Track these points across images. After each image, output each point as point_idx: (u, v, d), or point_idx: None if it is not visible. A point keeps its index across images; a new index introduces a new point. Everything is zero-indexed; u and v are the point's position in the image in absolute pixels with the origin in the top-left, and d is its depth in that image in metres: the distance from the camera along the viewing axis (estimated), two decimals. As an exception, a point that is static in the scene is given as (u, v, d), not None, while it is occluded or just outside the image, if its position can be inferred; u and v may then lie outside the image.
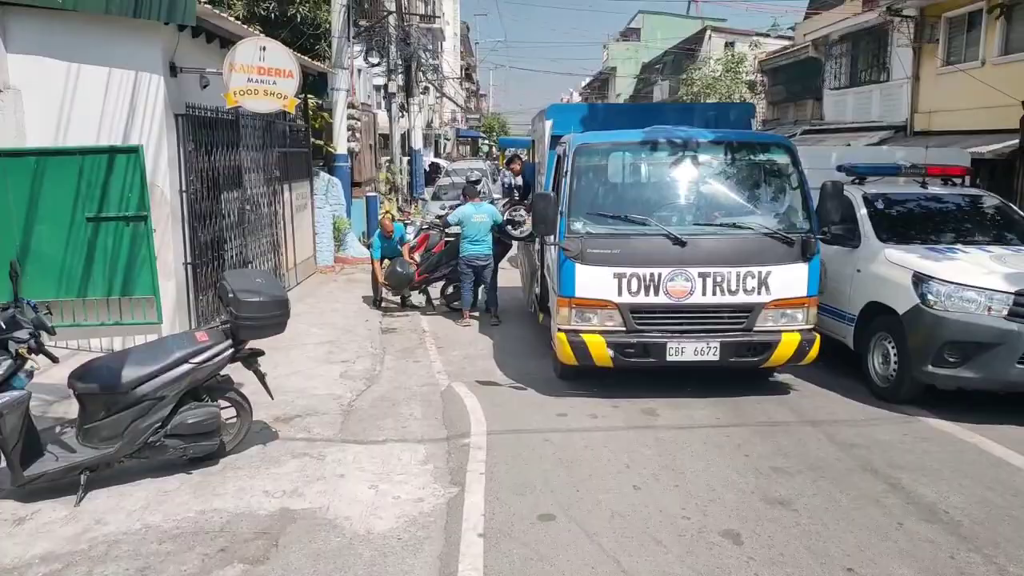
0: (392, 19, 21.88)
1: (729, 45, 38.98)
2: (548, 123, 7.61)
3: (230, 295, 5.13)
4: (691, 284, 6.10)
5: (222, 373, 5.31)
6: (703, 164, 6.55)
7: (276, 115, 11.27)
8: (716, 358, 6.19)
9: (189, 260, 7.68)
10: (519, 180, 10.95)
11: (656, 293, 6.12)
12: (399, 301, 11.08)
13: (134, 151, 6.84)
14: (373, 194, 15.99)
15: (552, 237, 6.45)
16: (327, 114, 14.64)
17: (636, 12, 55.67)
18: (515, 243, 10.42)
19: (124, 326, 7.08)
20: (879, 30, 18.77)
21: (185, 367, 4.91)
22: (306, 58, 12.35)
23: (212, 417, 5.04)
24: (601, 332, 6.19)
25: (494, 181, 23.27)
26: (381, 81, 24.34)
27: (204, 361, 5.01)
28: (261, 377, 5.50)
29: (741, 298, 6.13)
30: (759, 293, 6.12)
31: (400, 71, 26.98)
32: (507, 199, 10.95)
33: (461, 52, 56.05)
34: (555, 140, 7.50)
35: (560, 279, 6.35)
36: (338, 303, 11.05)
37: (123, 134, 7.16)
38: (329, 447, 5.56)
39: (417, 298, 11.08)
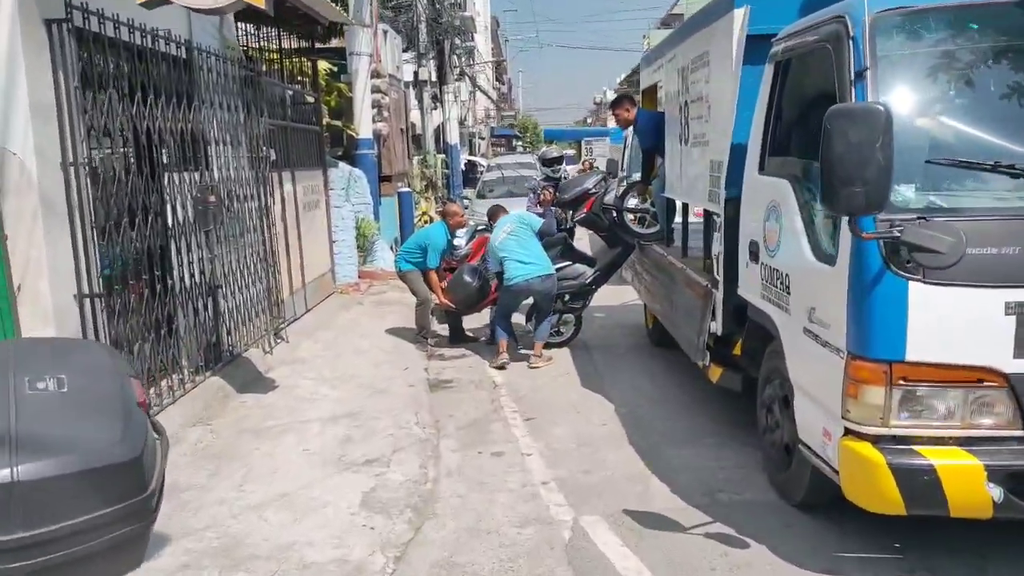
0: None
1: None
2: (740, 13, 4.03)
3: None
4: None
5: None
6: None
7: (268, 73, 8.01)
8: None
9: (90, 290, 4.27)
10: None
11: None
12: (455, 333, 7.66)
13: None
14: (406, 190, 12.65)
15: (854, 214, 2.69)
16: (345, 87, 11.28)
17: (678, -3, 51.83)
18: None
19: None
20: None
21: None
22: None
23: None
24: (970, 446, 2.67)
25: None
26: (410, 69, 21.11)
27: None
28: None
29: None
30: None
31: (432, 55, 23.75)
32: (621, 179, 7.47)
33: (492, 49, 52.85)
34: (756, 46, 3.96)
35: (861, 314, 2.82)
36: (364, 339, 7.62)
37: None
38: None
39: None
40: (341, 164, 10.72)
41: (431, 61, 23.44)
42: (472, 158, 30.65)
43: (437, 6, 23.63)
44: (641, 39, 54.41)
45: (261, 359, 6.40)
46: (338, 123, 11.28)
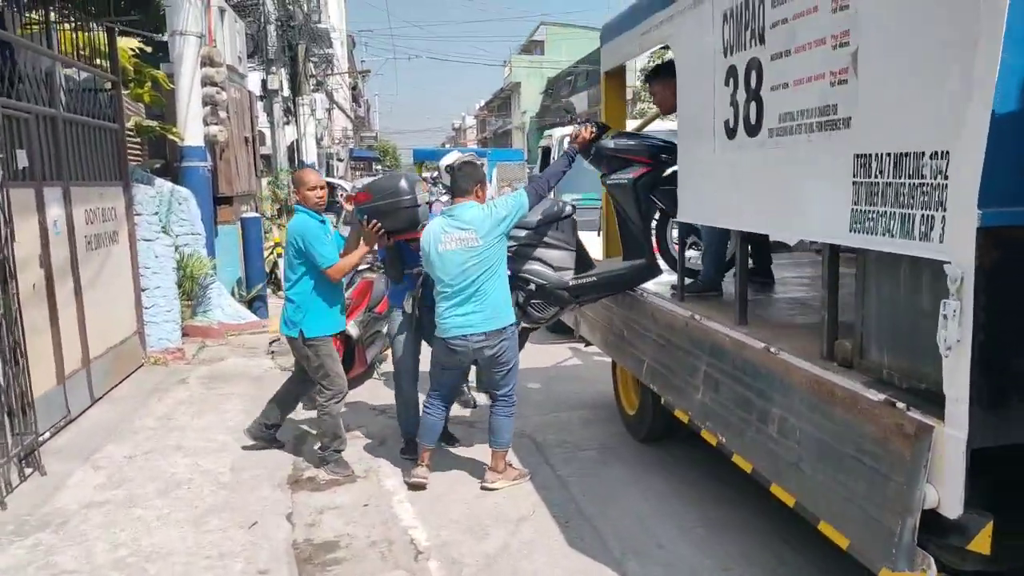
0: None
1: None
2: None
3: None
4: None
5: None
6: None
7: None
8: None
9: None
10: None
11: None
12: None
13: None
14: (253, 215, 9.71)
15: None
16: (163, 77, 8.24)
17: (538, 23, 51.22)
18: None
19: None
20: None
21: None
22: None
23: None
24: None
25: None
26: (257, 78, 17.94)
27: None
28: None
29: None
30: None
31: (283, 63, 20.65)
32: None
33: (349, 70, 49.71)
34: None
35: None
36: (184, 453, 4.73)
37: None
38: None
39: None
40: (158, 180, 7.69)
41: (282, 69, 20.40)
42: (332, 180, 27.59)
43: (289, 7, 20.64)
44: (502, 64, 53.43)
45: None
46: (153, 124, 8.21)
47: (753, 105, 3.06)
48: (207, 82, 8.64)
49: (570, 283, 4.26)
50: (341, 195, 26.25)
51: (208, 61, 8.64)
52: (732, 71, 3.22)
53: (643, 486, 4.25)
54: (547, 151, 8.39)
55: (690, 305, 3.82)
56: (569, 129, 8.13)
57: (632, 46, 4.47)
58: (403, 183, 4.33)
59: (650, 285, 4.28)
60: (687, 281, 4.08)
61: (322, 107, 28.90)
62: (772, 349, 2.88)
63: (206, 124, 8.65)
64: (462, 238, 3.91)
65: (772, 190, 2.95)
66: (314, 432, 4.88)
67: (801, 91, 2.74)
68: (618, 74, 5.05)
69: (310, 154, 20.99)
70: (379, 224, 4.26)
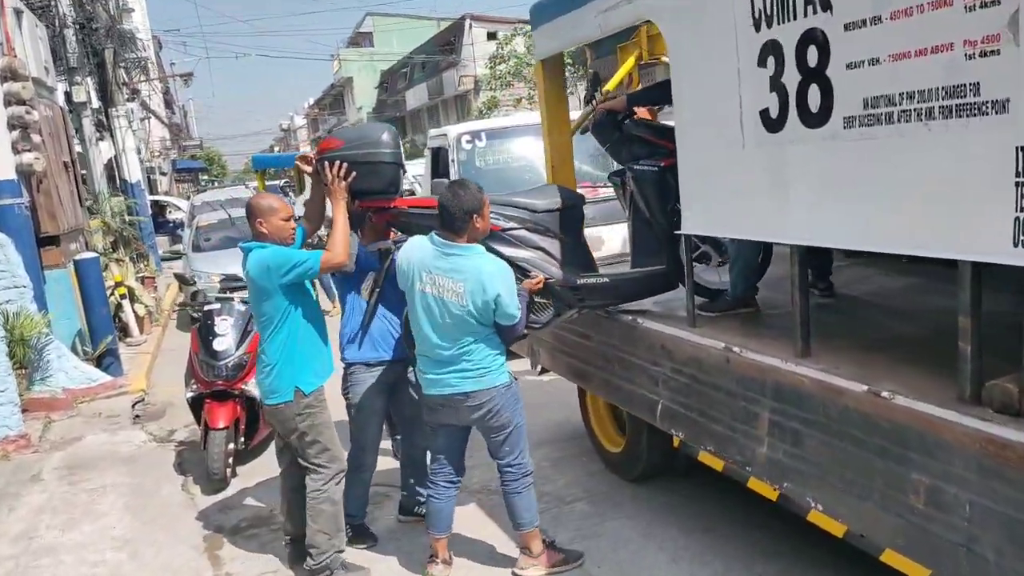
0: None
1: (492, 36, 34.62)
2: None
3: None
4: None
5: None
6: None
7: None
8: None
9: None
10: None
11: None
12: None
13: None
14: (89, 255, 8.09)
15: None
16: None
17: (364, 15, 49.45)
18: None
19: None
20: None
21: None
22: None
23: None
24: None
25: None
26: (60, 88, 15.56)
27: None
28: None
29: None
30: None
31: (89, 71, 18.17)
32: None
33: (161, 75, 45.55)
34: None
35: None
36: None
37: None
38: None
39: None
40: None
41: (88, 78, 17.93)
42: (158, 198, 24.98)
43: (87, 7, 18.16)
44: (330, 58, 51.21)
45: None
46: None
47: (815, 88, 2.47)
48: (12, 100, 7.04)
49: (578, 281, 3.52)
50: (171, 213, 23.79)
51: (10, 75, 7.04)
52: (771, 48, 2.62)
53: (658, 539, 3.64)
54: (438, 153, 7.53)
55: (709, 331, 3.21)
56: (466, 127, 7.24)
57: (586, 27, 3.76)
58: (385, 135, 3.49)
59: (649, 304, 3.64)
60: (703, 298, 3.49)
61: (137, 117, 26.03)
62: (885, 394, 2.30)
63: (17, 152, 7.04)
64: (452, 288, 3.08)
65: (864, 195, 2.36)
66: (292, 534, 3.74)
67: (907, 67, 2.16)
68: (558, 62, 4.34)
69: (134, 172, 18.66)
70: (351, 171, 3.35)
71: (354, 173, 3.35)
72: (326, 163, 3.37)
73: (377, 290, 3.65)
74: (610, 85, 4.93)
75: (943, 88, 2.06)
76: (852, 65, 2.33)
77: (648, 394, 3.46)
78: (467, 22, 34.88)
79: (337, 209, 3.33)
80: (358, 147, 3.41)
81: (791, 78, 2.56)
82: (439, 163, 7.45)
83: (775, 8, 2.58)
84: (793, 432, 2.61)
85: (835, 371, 2.54)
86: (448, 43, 37.59)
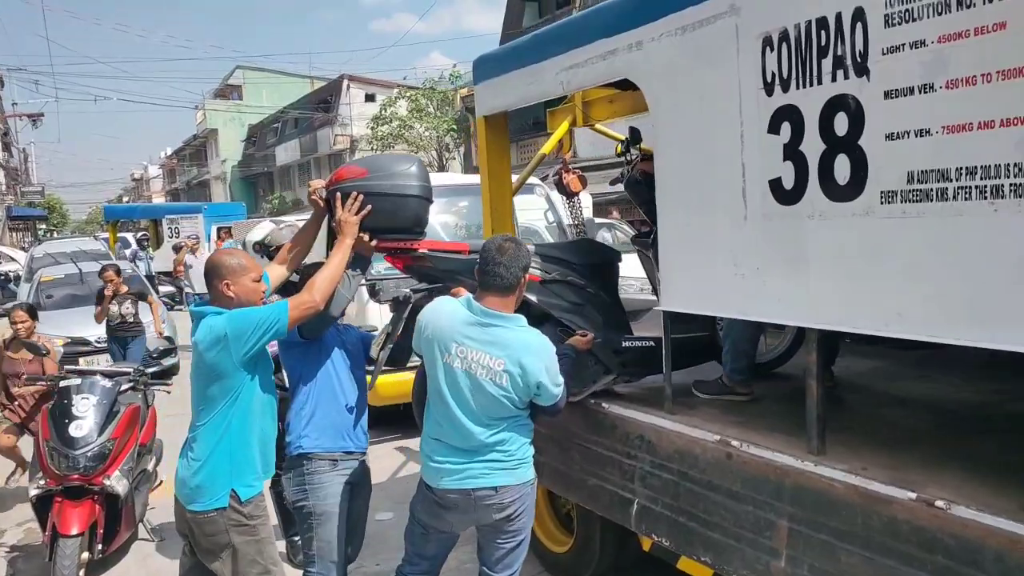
0: None
1: (370, 98, 34.44)
2: None
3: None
4: None
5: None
6: None
7: None
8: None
9: None
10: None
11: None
12: None
13: None
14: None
15: None
16: None
17: (235, 67, 47.93)
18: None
19: None
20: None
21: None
22: None
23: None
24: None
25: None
26: None
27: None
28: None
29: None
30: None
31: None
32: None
33: (3, 115, 41.76)
34: None
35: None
36: None
37: None
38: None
39: None
40: None
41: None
42: (-10, 249, 22.39)
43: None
44: (194, 109, 49.09)
45: None
46: None
47: (843, 159, 2.24)
48: None
49: (624, 344, 3.12)
50: (1, 264, 21.30)
51: None
52: (787, 113, 2.39)
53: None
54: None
55: (689, 419, 2.88)
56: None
57: (545, 84, 3.45)
58: (415, 167, 3.04)
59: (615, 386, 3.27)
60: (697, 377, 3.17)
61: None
62: (940, 503, 2.02)
63: None
64: (487, 365, 2.57)
65: (905, 275, 2.12)
66: None
67: (968, 140, 1.95)
68: (501, 119, 4.00)
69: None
70: (368, 205, 2.89)
71: (368, 207, 2.88)
72: (338, 194, 2.89)
73: (390, 346, 3.10)
74: (545, 149, 4.67)
75: (1017, 164, 1.87)
76: (895, 135, 2.12)
77: (620, 491, 3.06)
78: (345, 82, 34.51)
79: (340, 247, 2.82)
80: (383, 177, 2.95)
81: (811, 147, 2.33)
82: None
83: (791, 71, 2.36)
84: (823, 545, 2.28)
85: (864, 472, 2.25)
86: (325, 101, 36.96)
